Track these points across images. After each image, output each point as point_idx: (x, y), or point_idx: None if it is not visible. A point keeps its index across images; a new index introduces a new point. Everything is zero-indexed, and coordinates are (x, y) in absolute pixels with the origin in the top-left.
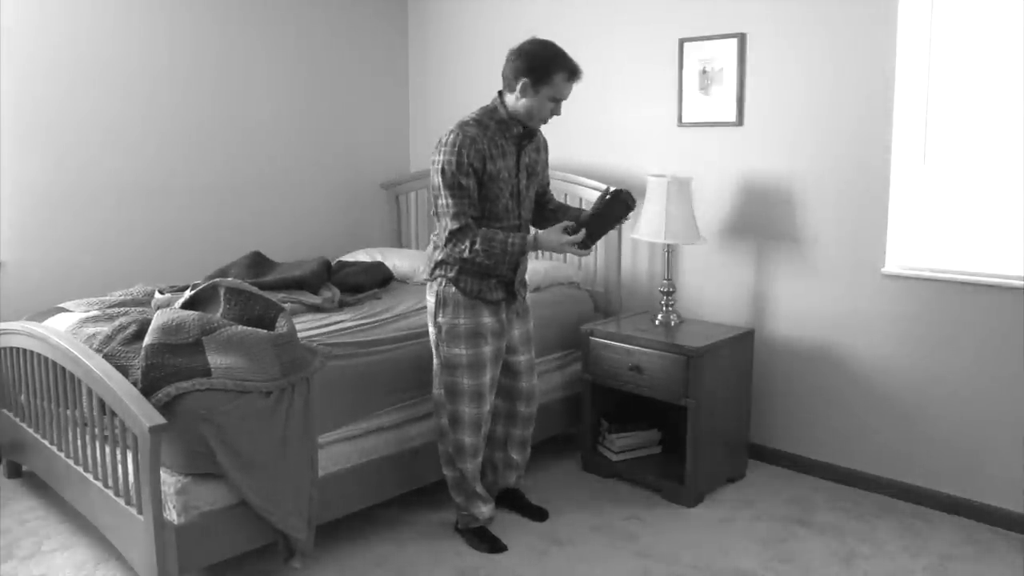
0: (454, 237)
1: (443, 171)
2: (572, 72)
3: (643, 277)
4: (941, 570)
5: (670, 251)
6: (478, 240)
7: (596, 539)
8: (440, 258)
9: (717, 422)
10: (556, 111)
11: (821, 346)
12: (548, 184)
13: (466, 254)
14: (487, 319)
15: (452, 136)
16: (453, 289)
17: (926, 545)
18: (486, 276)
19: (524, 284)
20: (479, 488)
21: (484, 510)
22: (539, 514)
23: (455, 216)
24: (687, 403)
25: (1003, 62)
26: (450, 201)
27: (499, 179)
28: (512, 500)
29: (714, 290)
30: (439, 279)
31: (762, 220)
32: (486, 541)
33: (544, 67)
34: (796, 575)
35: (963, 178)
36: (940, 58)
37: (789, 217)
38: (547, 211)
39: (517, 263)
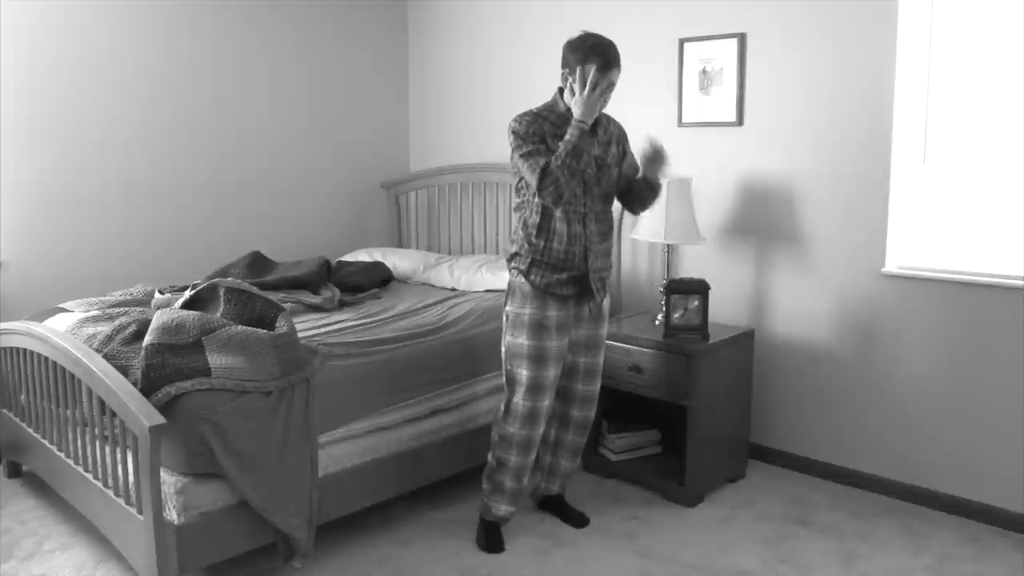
0: (543, 183)
1: (515, 138)
2: (604, 61)
3: (643, 277)
4: (941, 570)
5: (670, 251)
6: (551, 164)
7: (596, 539)
8: (514, 250)
9: (717, 422)
10: (603, 101)
11: (821, 346)
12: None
13: (561, 180)
14: (553, 312)
15: (515, 120)
16: (522, 280)
17: (926, 545)
18: (558, 269)
19: (604, 284)
20: (510, 483)
21: (503, 508)
22: (579, 520)
23: (533, 168)
24: (687, 403)
25: (1003, 62)
26: (528, 160)
27: None
28: (554, 505)
29: (714, 290)
30: (512, 270)
31: (762, 220)
32: (488, 538)
33: (573, 60)
34: (796, 575)
35: (963, 178)
36: (940, 58)
37: (789, 217)
38: (634, 185)
39: (589, 247)
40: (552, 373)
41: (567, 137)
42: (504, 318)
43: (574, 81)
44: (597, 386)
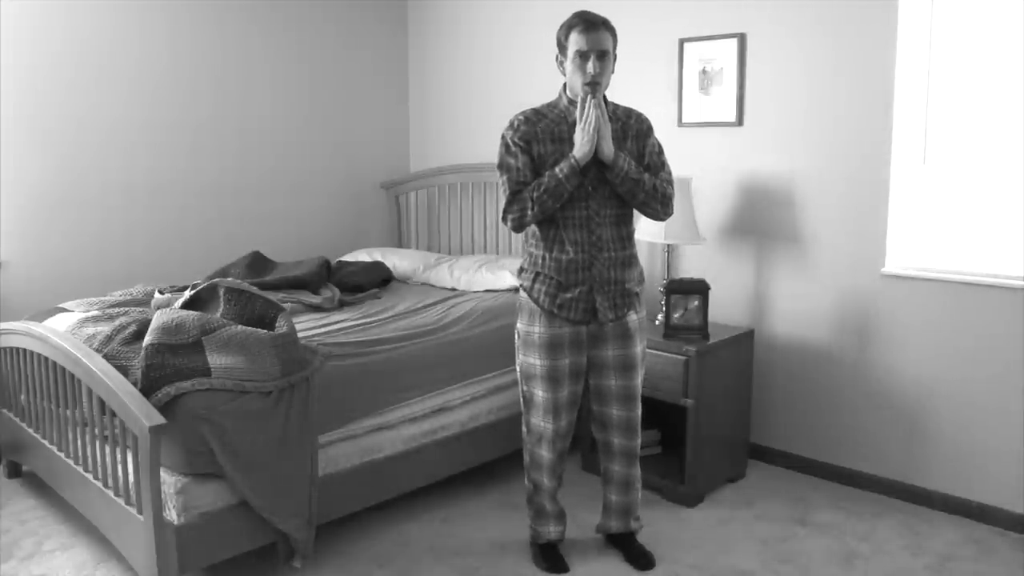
0: (509, 208)
1: (501, 142)
2: (586, 24)
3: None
4: (941, 570)
5: (670, 251)
6: (527, 191)
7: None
8: (520, 265)
9: (717, 422)
10: (595, 67)
11: (821, 346)
12: (659, 170)
13: (529, 212)
14: (566, 329)
15: (511, 120)
16: (526, 297)
17: (926, 545)
18: (563, 287)
19: (625, 297)
20: (549, 505)
21: (552, 530)
22: (641, 561)
23: (505, 191)
24: (687, 403)
25: (1003, 62)
26: (501, 180)
27: (550, 164)
28: (618, 540)
29: (714, 290)
30: (520, 286)
31: (762, 220)
32: (547, 560)
33: (561, 37)
34: (796, 575)
35: (963, 178)
36: (940, 58)
37: (789, 217)
38: None
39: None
40: (568, 392)
41: (555, 171)
42: (516, 336)
43: (564, 60)
44: (637, 411)
